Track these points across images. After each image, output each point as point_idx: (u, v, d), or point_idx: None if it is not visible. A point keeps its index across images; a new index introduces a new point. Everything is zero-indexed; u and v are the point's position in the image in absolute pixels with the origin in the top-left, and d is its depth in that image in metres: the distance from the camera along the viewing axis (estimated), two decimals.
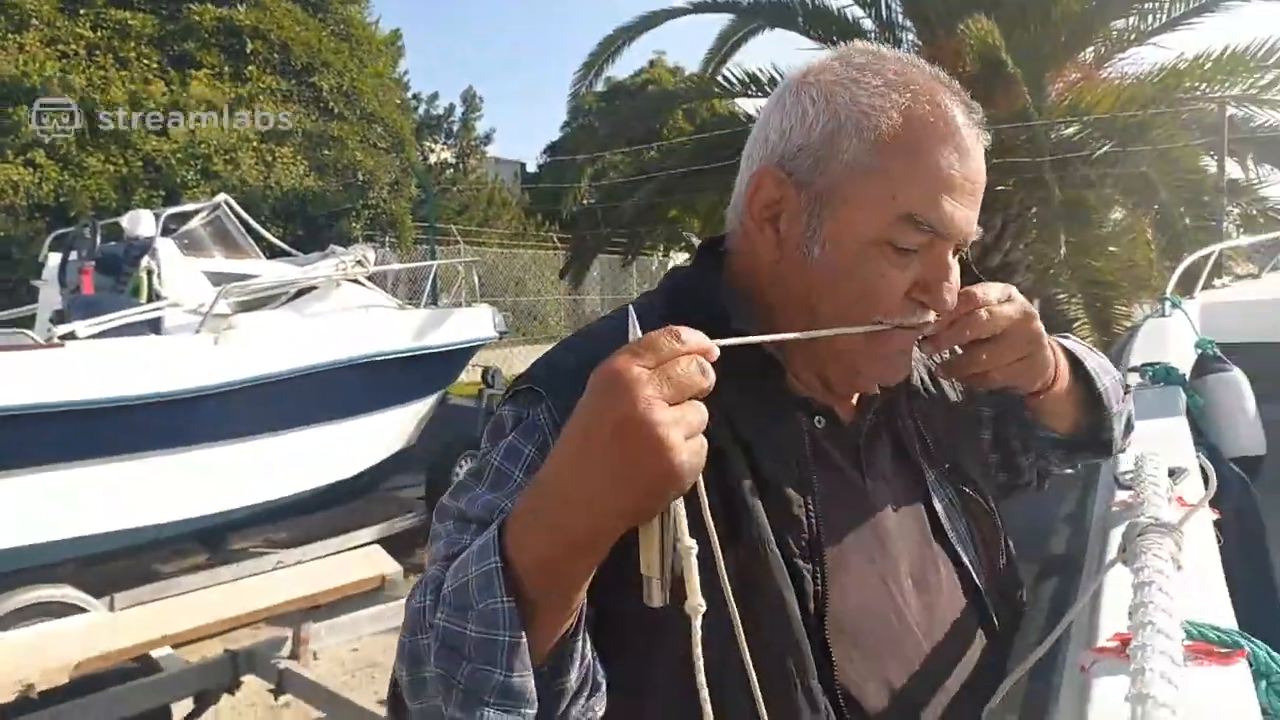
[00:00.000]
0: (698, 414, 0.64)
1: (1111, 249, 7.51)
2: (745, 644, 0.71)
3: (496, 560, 0.67)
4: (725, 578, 0.68)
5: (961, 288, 0.89)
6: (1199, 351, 2.16)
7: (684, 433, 0.62)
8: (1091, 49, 8.48)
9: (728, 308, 0.88)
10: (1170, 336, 2.31)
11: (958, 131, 0.85)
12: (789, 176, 0.88)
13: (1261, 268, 4.42)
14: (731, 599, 0.68)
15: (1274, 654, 0.70)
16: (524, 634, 0.67)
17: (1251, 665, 0.69)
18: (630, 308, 0.77)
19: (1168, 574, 0.68)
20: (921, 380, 1.04)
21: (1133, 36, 8.28)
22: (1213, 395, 1.95)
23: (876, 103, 0.85)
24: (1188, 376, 1.91)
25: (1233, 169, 7.45)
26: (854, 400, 0.97)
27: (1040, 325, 0.94)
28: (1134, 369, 1.89)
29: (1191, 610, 0.76)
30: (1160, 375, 1.82)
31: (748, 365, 0.84)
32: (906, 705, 0.85)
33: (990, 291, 0.90)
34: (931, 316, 0.88)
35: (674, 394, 0.63)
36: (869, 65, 0.88)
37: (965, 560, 0.96)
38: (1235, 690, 0.66)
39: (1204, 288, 3.35)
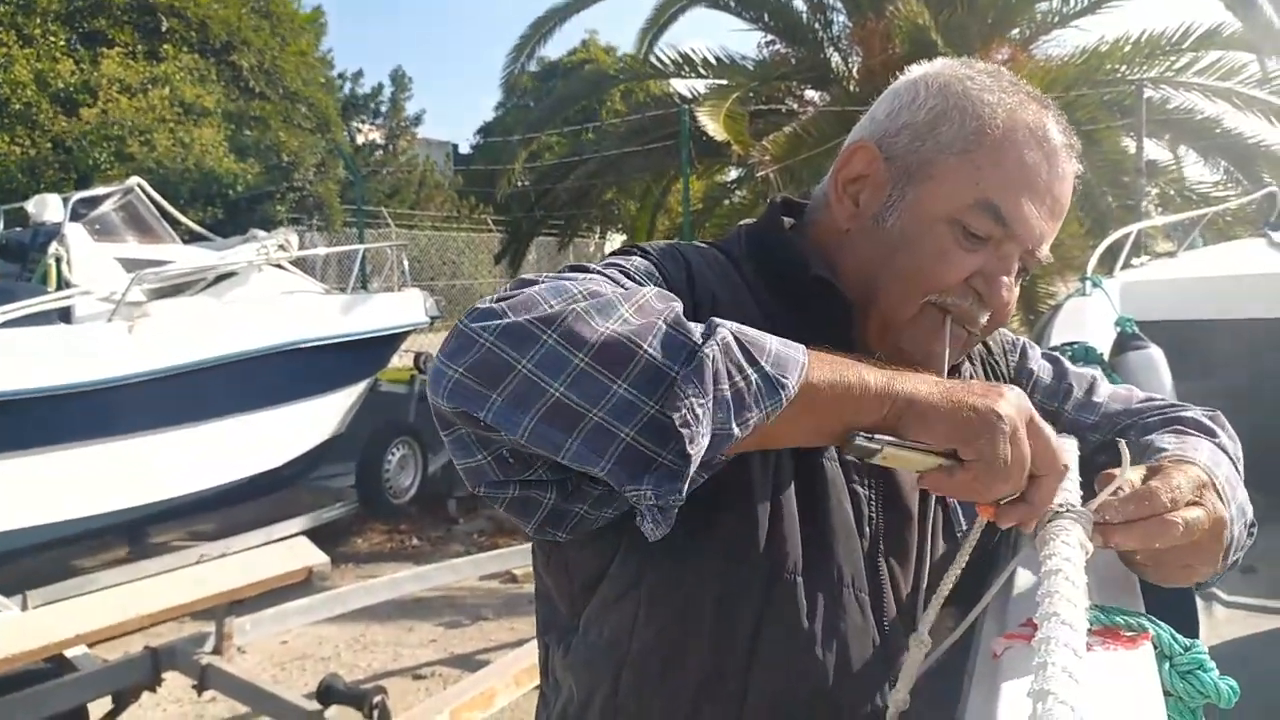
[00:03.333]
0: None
1: None
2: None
3: (804, 359, 0.69)
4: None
5: (1150, 485, 0.80)
6: (1118, 330, 2.20)
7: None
8: (1017, 30, 8.65)
9: (807, 257, 0.92)
10: (1090, 315, 2.35)
11: (1055, 151, 0.89)
12: (881, 152, 0.92)
13: (1178, 246, 4.53)
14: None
15: (1178, 636, 0.70)
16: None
17: (1156, 648, 0.70)
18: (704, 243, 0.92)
19: (1075, 561, 0.67)
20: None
21: (1056, 19, 8.49)
22: (1131, 373, 1.98)
23: (987, 98, 0.89)
24: (1107, 355, 1.93)
25: (1152, 150, 7.67)
26: None
27: (1241, 530, 0.85)
28: (1054, 348, 1.91)
29: (1102, 590, 0.76)
30: (1080, 354, 1.84)
31: (828, 309, 0.90)
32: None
33: (1182, 489, 0.80)
34: (983, 318, 0.91)
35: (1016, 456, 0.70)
36: (989, 72, 0.93)
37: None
38: (1140, 672, 0.67)
39: (1124, 267, 3.42)
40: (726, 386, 0.64)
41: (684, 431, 0.62)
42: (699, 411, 0.63)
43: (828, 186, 0.96)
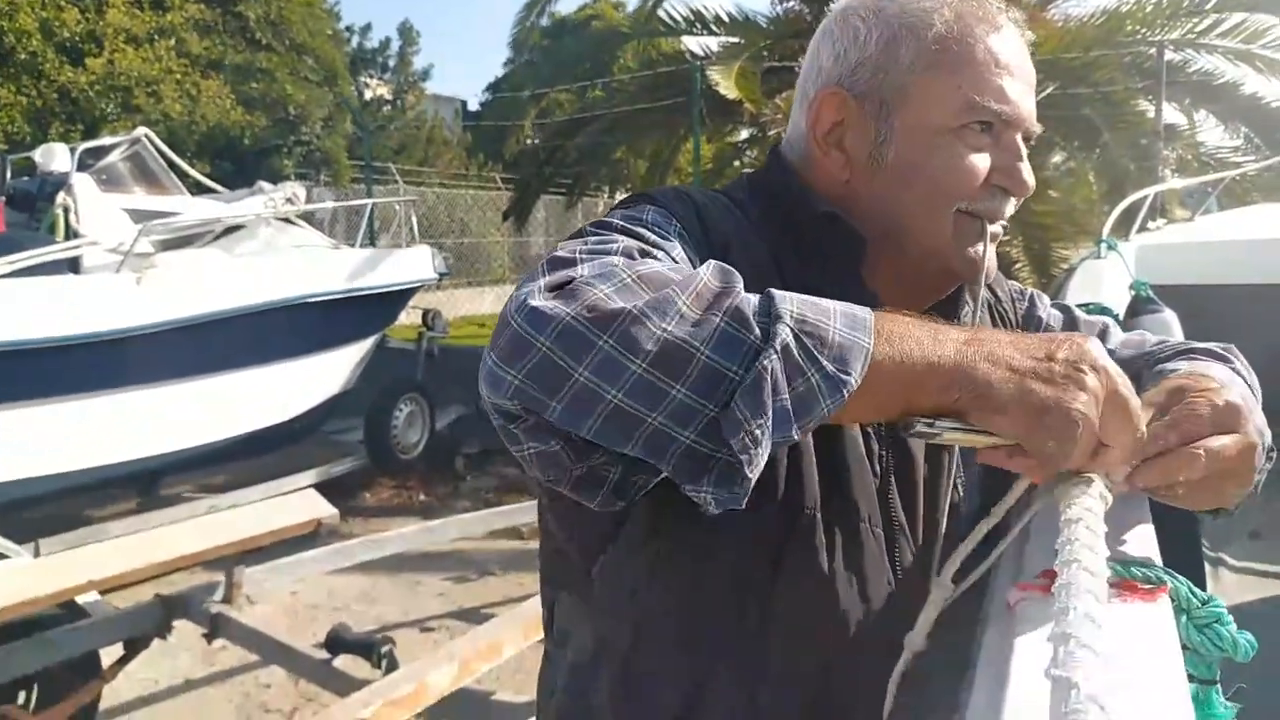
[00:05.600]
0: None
1: (1052, 192, 7.59)
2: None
3: (869, 343, 0.64)
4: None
5: (1176, 410, 0.77)
6: (1133, 293, 2.19)
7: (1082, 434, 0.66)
8: None
9: (813, 200, 0.91)
10: (1105, 278, 2.33)
11: (1007, 27, 0.91)
12: (848, 93, 0.90)
13: (1194, 211, 4.49)
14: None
15: (1195, 590, 0.70)
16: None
17: (1173, 601, 0.70)
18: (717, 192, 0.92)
19: (1095, 511, 0.66)
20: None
21: None
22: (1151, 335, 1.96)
23: (926, 5, 0.89)
24: (1122, 317, 1.92)
25: (1170, 114, 7.55)
26: None
27: (1260, 453, 0.81)
28: None
29: (1117, 546, 0.76)
30: (1095, 314, 1.83)
31: (837, 245, 0.89)
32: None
33: (1204, 416, 0.77)
34: (1010, 207, 0.91)
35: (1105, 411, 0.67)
36: None
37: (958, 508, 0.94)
38: (1158, 625, 0.67)
39: (1139, 230, 3.39)
40: (786, 395, 0.62)
41: (743, 457, 0.61)
42: (758, 434, 0.61)
43: (807, 149, 0.94)
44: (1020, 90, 0.89)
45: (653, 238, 0.77)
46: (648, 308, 0.63)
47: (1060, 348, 0.68)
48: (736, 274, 0.68)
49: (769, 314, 0.64)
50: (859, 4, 0.93)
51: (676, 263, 0.75)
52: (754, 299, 0.66)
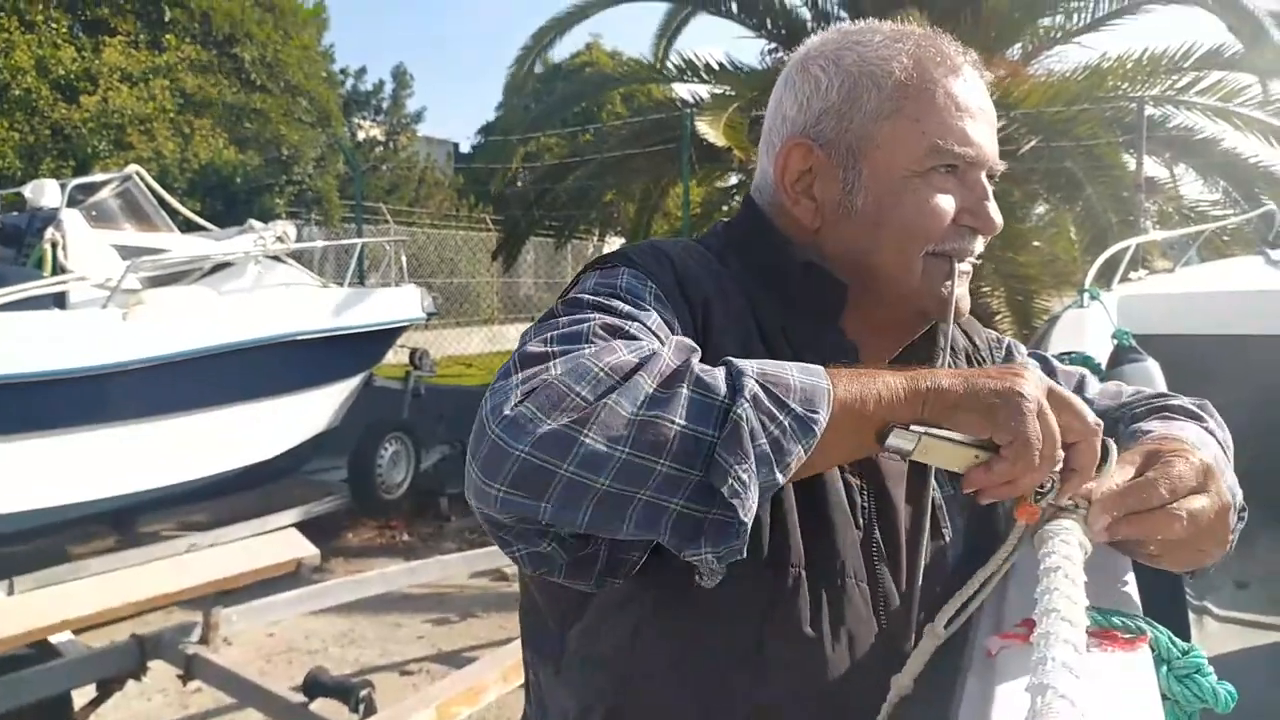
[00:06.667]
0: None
1: (1034, 243, 7.69)
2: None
3: (828, 385, 0.70)
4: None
5: (1157, 469, 0.79)
6: (1115, 342, 2.21)
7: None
8: (1019, 45, 8.67)
9: (792, 249, 0.93)
10: (1088, 327, 2.36)
11: (965, 69, 0.92)
12: (814, 143, 0.92)
13: (1175, 262, 4.55)
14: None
15: (1175, 640, 0.70)
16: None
17: (1154, 650, 0.70)
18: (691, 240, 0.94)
19: (1074, 560, 0.67)
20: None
21: (1059, 35, 8.52)
22: (1128, 385, 1.98)
23: (884, 53, 0.91)
24: (1104, 366, 1.94)
25: (1151, 168, 7.68)
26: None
27: (1230, 516, 0.82)
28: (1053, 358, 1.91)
29: (1099, 594, 0.76)
30: (1078, 362, 1.85)
31: (818, 294, 0.91)
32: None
33: (1184, 477, 0.78)
34: (979, 244, 0.93)
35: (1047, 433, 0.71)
36: (865, 29, 0.95)
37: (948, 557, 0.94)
38: (1137, 675, 0.67)
39: (1121, 280, 3.43)
40: (764, 440, 0.65)
41: (735, 502, 0.64)
42: (745, 478, 0.64)
43: (775, 195, 0.96)
44: (982, 130, 0.91)
45: (626, 309, 0.79)
46: (620, 396, 0.66)
47: (993, 367, 0.77)
48: (695, 346, 0.73)
49: (731, 374, 0.68)
50: (818, 53, 0.95)
51: (652, 330, 0.78)
52: (714, 368, 0.70)
